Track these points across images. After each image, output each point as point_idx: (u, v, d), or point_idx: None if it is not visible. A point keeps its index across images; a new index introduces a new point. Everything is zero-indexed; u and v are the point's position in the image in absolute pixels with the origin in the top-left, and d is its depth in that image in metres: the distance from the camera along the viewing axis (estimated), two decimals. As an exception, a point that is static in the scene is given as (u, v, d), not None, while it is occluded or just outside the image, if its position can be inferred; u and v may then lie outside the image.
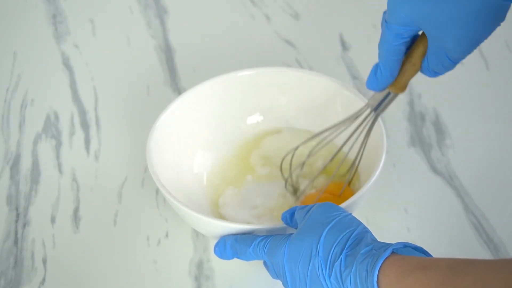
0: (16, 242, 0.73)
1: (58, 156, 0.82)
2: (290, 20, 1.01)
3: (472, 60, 0.91)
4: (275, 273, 0.60)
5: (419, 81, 0.87)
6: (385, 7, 0.60)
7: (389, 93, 0.65)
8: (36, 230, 0.74)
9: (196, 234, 0.72)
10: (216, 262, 0.70)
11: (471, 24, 0.56)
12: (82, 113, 0.88)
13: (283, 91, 0.78)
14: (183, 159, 0.75)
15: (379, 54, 0.62)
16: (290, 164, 0.74)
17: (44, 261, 0.71)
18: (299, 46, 0.96)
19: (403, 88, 0.64)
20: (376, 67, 0.63)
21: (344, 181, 0.71)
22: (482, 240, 0.70)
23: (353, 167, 0.71)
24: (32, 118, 0.88)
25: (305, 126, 0.79)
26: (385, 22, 0.60)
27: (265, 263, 0.62)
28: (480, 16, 0.55)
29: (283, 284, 0.59)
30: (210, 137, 0.78)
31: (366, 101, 0.70)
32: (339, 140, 0.72)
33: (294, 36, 0.97)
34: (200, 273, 0.69)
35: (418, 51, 0.61)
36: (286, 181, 0.75)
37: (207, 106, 0.77)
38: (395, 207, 0.74)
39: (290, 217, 0.61)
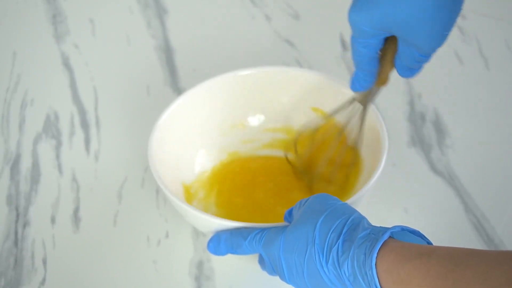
0: (16, 242, 0.73)
1: (58, 156, 0.82)
2: (290, 20, 1.01)
3: (472, 60, 0.91)
4: (272, 268, 0.59)
5: (419, 81, 0.87)
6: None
7: (373, 88, 0.66)
8: (36, 230, 0.74)
9: (196, 234, 0.72)
10: (216, 262, 0.70)
11: (432, 20, 0.56)
12: (82, 113, 0.88)
13: (283, 91, 0.78)
14: (184, 158, 0.75)
15: (355, 65, 0.63)
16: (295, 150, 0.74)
17: (44, 261, 0.71)
18: (299, 46, 0.96)
19: (385, 82, 0.65)
20: (356, 76, 0.64)
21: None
22: (483, 240, 0.70)
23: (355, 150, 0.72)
24: (32, 118, 0.88)
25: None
26: (352, 38, 0.61)
27: (260, 261, 0.62)
28: (438, 11, 0.55)
29: (280, 277, 0.58)
30: (211, 137, 0.78)
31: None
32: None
33: (294, 36, 0.97)
34: (200, 273, 0.69)
35: (391, 49, 0.62)
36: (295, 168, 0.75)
37: (208, 105, 0.77)
38: (395, 207, 0.74)
39: (288, 213, 0.61)
